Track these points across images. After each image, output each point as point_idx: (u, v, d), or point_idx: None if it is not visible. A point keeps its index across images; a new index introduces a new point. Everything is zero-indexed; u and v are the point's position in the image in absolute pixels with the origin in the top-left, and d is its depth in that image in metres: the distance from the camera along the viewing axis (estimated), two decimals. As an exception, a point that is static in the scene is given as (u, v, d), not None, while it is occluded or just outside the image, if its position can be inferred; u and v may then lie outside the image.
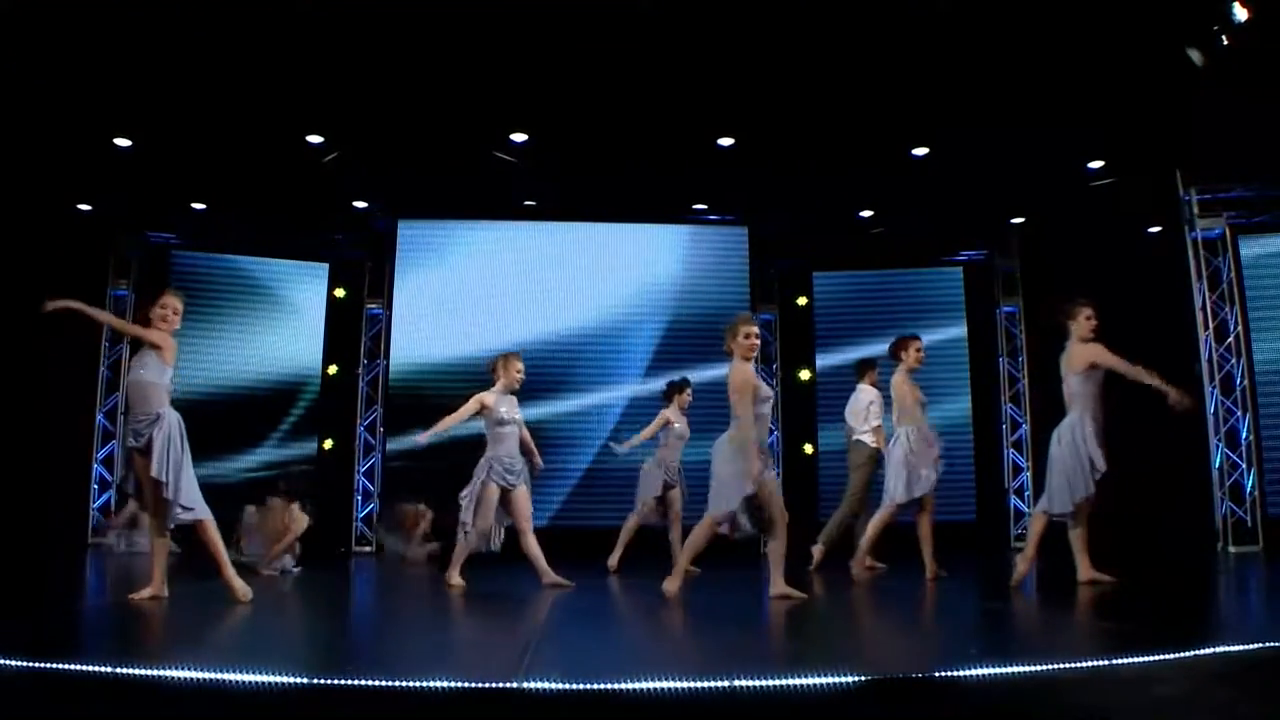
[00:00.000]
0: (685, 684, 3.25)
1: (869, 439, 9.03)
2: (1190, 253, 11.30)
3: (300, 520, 8.77)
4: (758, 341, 6.53)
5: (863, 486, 9.02)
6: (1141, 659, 3.58)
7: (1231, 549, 10.67)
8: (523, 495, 7.52)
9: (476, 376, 12.40)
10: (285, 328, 12.85)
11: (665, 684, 3.23)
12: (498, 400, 7.63)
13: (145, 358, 6.30)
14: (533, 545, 7.51)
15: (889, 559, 8.76)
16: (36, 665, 3.46)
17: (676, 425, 9.31)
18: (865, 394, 9.22)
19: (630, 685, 3.25)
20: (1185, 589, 7.55)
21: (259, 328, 12.73)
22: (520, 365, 7.76)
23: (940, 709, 3.34)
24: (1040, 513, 7.06)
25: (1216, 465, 10.94)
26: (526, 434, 7.70)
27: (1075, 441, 6.85)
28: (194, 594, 6.99)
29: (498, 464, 7.47)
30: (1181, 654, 3.68)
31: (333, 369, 12.96)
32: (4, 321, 11.31)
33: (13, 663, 3.43)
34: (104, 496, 11.96)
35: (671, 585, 6.36)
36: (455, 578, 7.44)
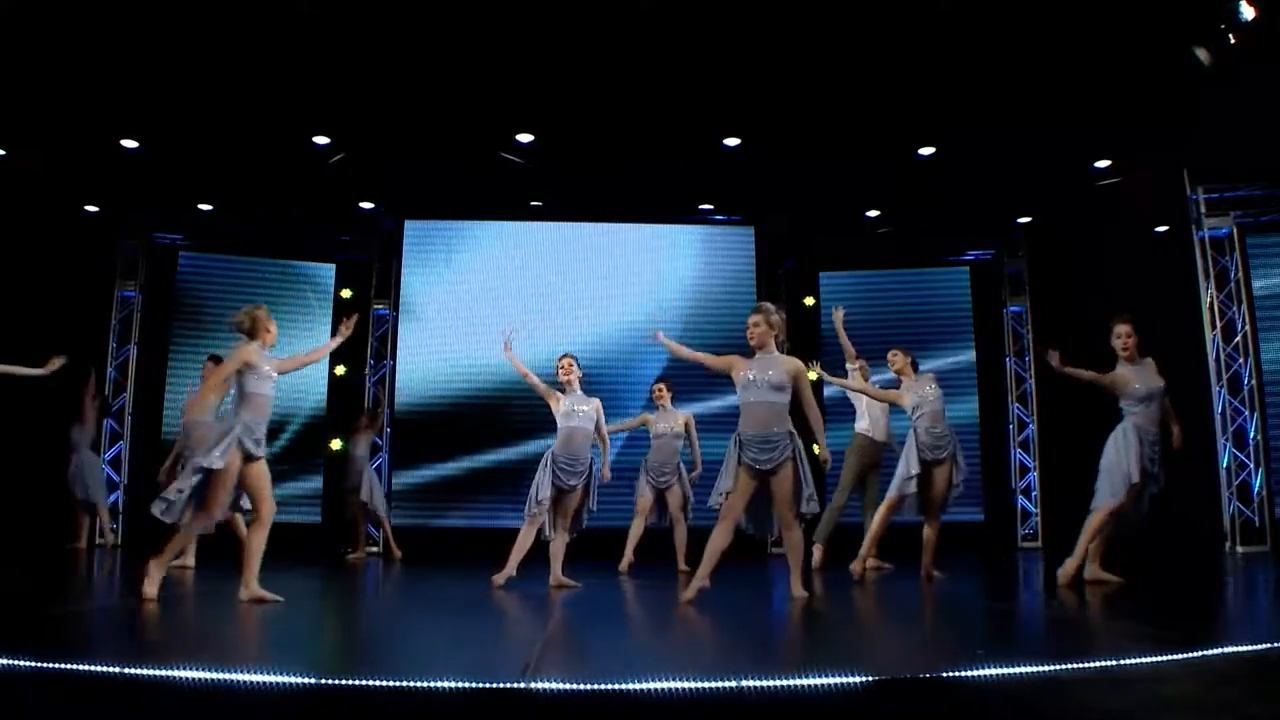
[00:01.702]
0: (692, 684, 3.25)
1: (861, 428, 9.20)
2: (1197, 252, 11.28)
3: None
4: (754, 330, 6.52)
5: (848, 479, 9.10)
6: (1149, 659, 3.57)
7: (1239, 549, 10.65)
8: (573, 496, 7.56)
9: (482, 377, 12.55)
10: (292, 328, 12.87)
11: (672, 684, 3.23)
12: (565, 398, 7.73)
13: (272, 373, 6.39)
14: (559, 544, 7.59)
15: (895, 559, 8.76)
16: (44, 666, 3.47)
17: (657, 425, 9.33)
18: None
19: (636, 686, 3.25)
20: (1193, 589, 7.53)
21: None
22: (564, 363, 7.89)
23: (947, 709, 3.34)
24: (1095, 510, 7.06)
25: (1224, 465, 10.92)
26: (603, 433, 7.81)
27: (1119, 448, 6.97)
28: (199, 594, 7.01)
29: (558, 460, 7.56)
30: (1189, 654, 3.67)
31: (340, 369, 12.98)
32: (13, 322, 11.35)
33: (21, 663, 3.44)
34: (112, 496, 11.97)
35: (689, 593, 6.32)
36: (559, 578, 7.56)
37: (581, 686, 3.33)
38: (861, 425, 9.21)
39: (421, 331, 12.70)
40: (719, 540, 6.30)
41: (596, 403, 7.77)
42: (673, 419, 9.38)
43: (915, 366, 8.14)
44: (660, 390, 9.52)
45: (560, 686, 3.30)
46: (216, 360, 9.29)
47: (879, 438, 9.17)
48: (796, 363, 6.49)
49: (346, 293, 13.23)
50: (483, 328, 12.47)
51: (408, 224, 12.86)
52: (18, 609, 5.75)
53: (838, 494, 9.18)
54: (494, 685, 3.36)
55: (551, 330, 12.27)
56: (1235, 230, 11.27)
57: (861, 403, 9.20)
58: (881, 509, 7.98)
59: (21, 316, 11.57)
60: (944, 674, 3.44)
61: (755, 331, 6.51)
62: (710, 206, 12.88)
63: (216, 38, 8.32)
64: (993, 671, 3.41)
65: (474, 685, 3.31)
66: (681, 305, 12.74)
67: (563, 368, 7.83)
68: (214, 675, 3.31)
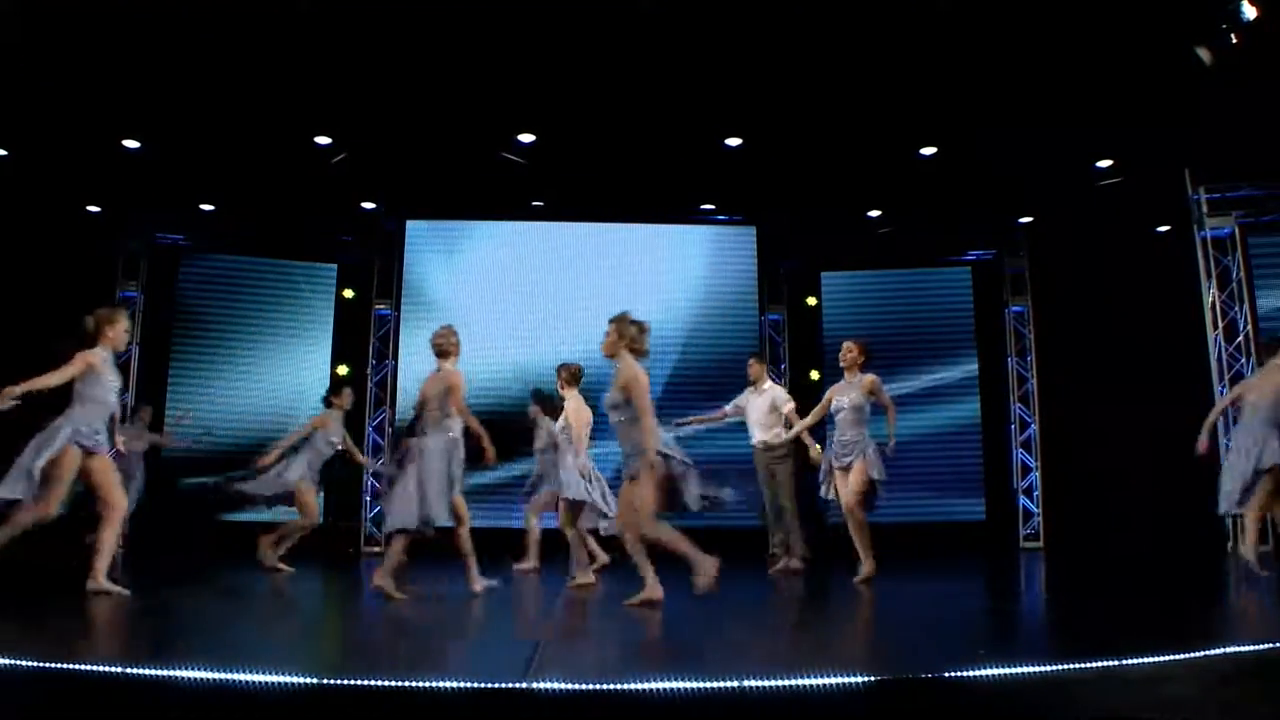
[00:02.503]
0: (694, 684, 3.25)
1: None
2: (1199, 252, 11.27)
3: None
4: (604, 341, 6.43)
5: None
6: (1151, 659, 3.57)
7: (1241, 549, 10.62)
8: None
9: (483, 376, 12.53)
10: (294, 328, 12.88)
11: (674, 684, 3.23)
12: None
13: None
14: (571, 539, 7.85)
15: (893, 559, 8.75)
16: (45, 665, 3.47)
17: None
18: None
19: (638, 686, 3.25)
20: (1194, 588, 7.53)
21: (267, 328, 12.76)
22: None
23: (949, 709, 3.34)
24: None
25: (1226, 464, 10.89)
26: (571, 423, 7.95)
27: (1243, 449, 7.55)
28: (201, 594, 7.01)
29: None
30: (1191, 654, 3.67)
31: (342, 369, 12.98)
32: (14, 322, 11.36)
33: (23, 663, 3.44)
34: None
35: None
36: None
37: (583, 686, 3.33)
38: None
39: (423, 331, 12.68)
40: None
41: (568, 405, 8.10)
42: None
43: (864, 367, 7.81)
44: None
45: (561, 686, 3.30)
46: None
47: (759, 444, 9.28)
48: (627, 372, 6.06)
49: (349, 293, 13.24)
50: (484, 327, 12.48)
51: (409, 224, 12.86)
52: (18, 609, 5.76)
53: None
54: (495, 685, 3.36)
55: (552, 330, 12.29)
56: (1237, 230, 11.25)
57: (750, 416, 9.29)
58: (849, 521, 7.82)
59: (23, 317, 11.58)
60: (945, 674, 3.43)
61: (604, 343, 6.26)
62: (712, 206, 12.88)
63: (218, 38, 8.32)
64: (995, 672, 3.41)
65: (475, 685, 3.31)
66: (683, 306, 12.73)
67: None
68: (214, 675, 3.31)
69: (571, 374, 8.24)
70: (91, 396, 6.36)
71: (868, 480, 7.55)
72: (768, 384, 9.37)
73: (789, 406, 9.16)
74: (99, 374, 6.38)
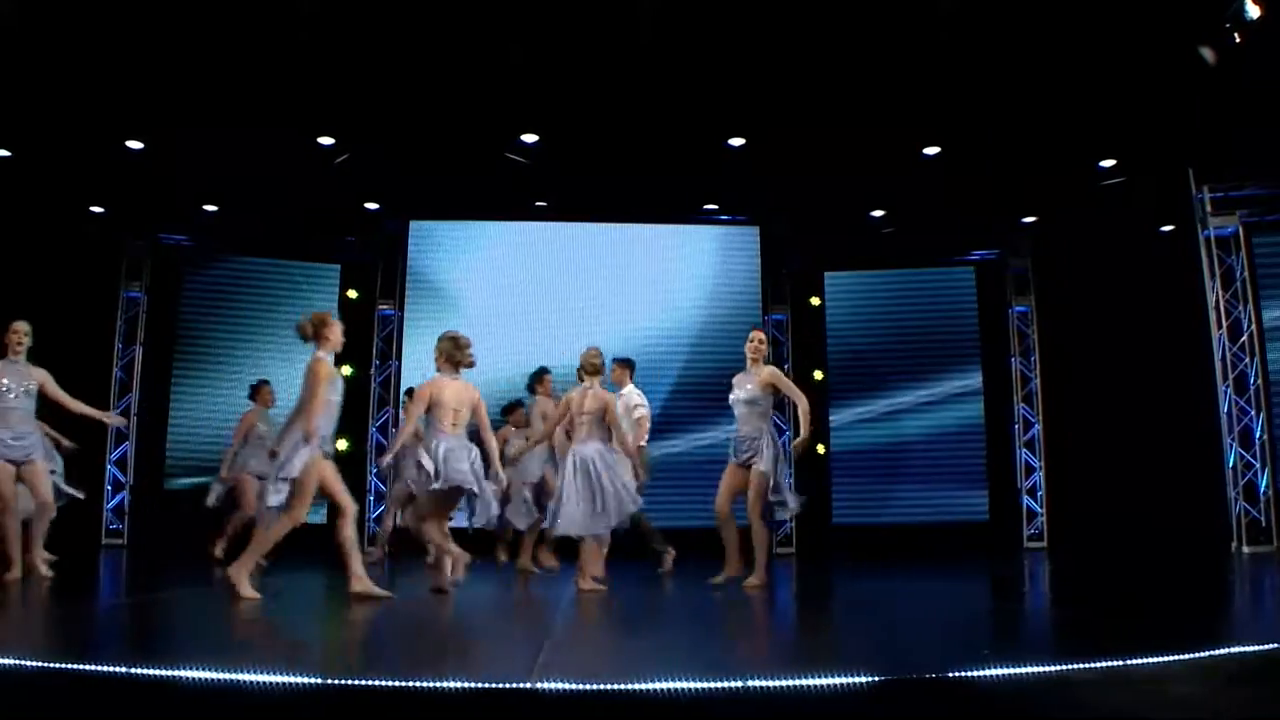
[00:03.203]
0: (697, 684, 3.24)
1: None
2: (1203, 251, 11.24)
3: None
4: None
5: None
6: (1155, 659, 3.56)
7: (1245, 549, 10.62)
8: None
9: (485, 377, 12.50)
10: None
11: (677, 685, 3.22)
12: None
13: None
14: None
15: (892, 560, 8.73)
16: (49, 666, 3.47)
17: None
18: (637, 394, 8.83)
19: (642, 686, 3.24)
20: (1200, 588, 7.51)
21: (271, 329, 12.75)
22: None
23: (953, 710, 3.33)
24: None
25: (1230, 465, 10.88)
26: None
27: None
28: (203, 595, 7.00)
29: None
30: (1197, 654, 3.65)
31: (346, 370, 12.98)
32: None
33: (26, 663, 3.44)
34: (117, 497, 11.99)
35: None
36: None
37: (586, 686, 3.32)
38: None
39: (426, 331, 12.67)
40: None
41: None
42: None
43: (766, 358, 7.52)
44: None
45: (566, 687, 3.29)
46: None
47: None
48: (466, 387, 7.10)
49: (352, 293, 13.24)
50: (487, 327, 12.47)
51: (412, 224, 12.86)
52: (20, 609, 5.76)
53: None
54: (500, 686, 3.35)
55: (554, 330, 12.27)
56: (1241, 229, 11.23)
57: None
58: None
59: (27, 317, 11.57)
60: (949, 674, 3.42)
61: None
62: (715, 207, 12.87)
63: (221, 39, 8.33)
64: (998, 671, 3.40)
65: (480, 685, 3.30)
66: (686, 306, 12.72)
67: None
68: (214, 675, 3.30)
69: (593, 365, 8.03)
70: (327, 401, 6.38)
71: (770, 480, 7.17)
72: (625, 389, 8.65)
73: (637, 414, 8.50)
74: (332, 379, 6.44)
